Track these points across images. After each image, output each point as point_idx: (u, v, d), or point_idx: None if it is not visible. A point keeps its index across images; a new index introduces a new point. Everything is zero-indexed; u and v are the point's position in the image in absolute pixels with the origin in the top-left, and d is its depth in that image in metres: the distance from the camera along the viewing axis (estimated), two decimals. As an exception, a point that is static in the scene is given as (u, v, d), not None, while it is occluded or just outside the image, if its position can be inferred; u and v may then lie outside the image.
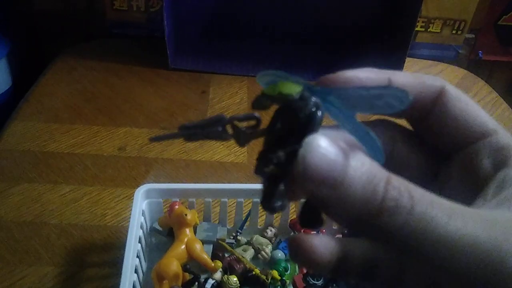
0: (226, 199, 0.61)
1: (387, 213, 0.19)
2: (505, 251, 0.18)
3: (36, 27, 1.06)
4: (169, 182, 0.72)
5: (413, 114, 0.25)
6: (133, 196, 0.57)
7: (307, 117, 0.21)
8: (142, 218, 0.58)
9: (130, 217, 0.55)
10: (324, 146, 0.20)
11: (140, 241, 0.55)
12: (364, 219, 0.19)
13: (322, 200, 0.20)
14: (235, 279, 0.54)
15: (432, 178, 0.25)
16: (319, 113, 0.21)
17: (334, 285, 0.57)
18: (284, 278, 0.56)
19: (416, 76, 0.24)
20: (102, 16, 1.02)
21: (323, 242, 0.21)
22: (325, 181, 0.19)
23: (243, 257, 0.58)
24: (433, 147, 0.25)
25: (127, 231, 0.54)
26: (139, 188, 0.58)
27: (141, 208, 0.58)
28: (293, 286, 0.57)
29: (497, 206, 0.21)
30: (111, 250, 0.62)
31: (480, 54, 1.10)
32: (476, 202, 0.21)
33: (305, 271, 0.58)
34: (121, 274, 0.50)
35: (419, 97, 0.24)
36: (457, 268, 0.19)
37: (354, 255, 0.22)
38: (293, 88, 0.21)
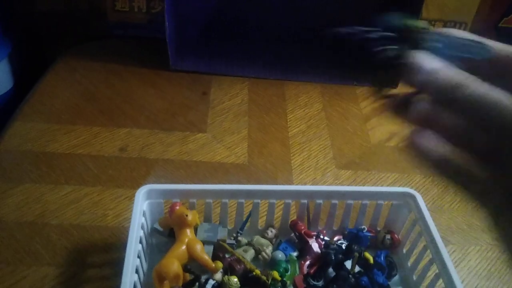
0: (227, 200, 0.61)
1: (461, 87, 0.28)
2: None
3: (37, 28, 1.06)
4: (169, 183, 0.72)
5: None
6: (134, 196, 0.57)
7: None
8: (143, 218, 0.58)
9: (131, 218, 0.56)
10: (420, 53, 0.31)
11: (141, 242, 0.55)
12: (448, 91, 0.28)
13: (419, 85, 0.30)
14: (236, 279, 0.55)
15: None
16: None
17: (335, 286, 0.57)
18: (284, 279, 0.56)
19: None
20: (103, 17, 1.02)
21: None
22: (420, 70, 0.30)
23: (244, 257, 0.58)
24: None
25: (127, 232, 0.54)
26: (140, 189, 0.59)
27: (142, 208, 0.58)
28: (293, 286, 0.57)
29: None
30: (111, 250, 0.62)
31: (480, 56, 1.10)
32: None
33: (305, 272, 0.58)
34: (121, 274, 0.50)
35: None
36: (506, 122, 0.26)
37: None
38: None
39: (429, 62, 0.30)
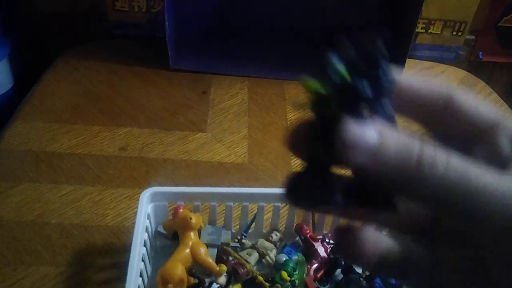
0: (231, 203, 0.60)
1: (425, 167, 0.20)
2: None
3: (38, 28, 1.06)
4: (169, 183, 0.72)
5: (428, 117, 0.26)
6: (134, 196, 0.57)
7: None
8: (147, 221, 0.58)
9: (131, 218, 0.56)
10: (358, 123, 0.21)
11: (145, 245, 0.55)
12: (404, 177, 0.21)
13: (364, 169, 0.21)
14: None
15: None
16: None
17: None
18: (293, 278, 0.56)
19: (428, 81, 0.26)
20: (103, 16, 1.02)
21: (374, 237, 0.25)
22: (361, 147, 0.21)
23: (247, 262, 0.57)
24: (451, 145, 0.26)
25: (128, 231, 0.54)
26: (144, 191, 0.58)
27: (146, 211, 0.57)
28: (304, 287, 0.57)
29: None
30: (112, 250, 0.62)
31: (480, 55, 1.10)
32: None
33: (312, 276, 0.58)
34: (126, 277, 0.50)
35: (433, 100, 0.25)
36: (495, 217, 0.20)
37: (394, 252, 0.25)
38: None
39: (368, 135, 0.21)
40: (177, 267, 0.54)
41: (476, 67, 1.11)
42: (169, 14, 0.88)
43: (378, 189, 0.22)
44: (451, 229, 0.25)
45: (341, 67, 0.21)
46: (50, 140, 0.78)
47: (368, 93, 0.21)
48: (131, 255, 0.52)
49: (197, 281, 0.55)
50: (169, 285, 0.54)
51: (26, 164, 0.73)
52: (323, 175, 0.23)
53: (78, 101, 0.88)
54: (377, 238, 0.25)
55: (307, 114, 0.23)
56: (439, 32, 1.05)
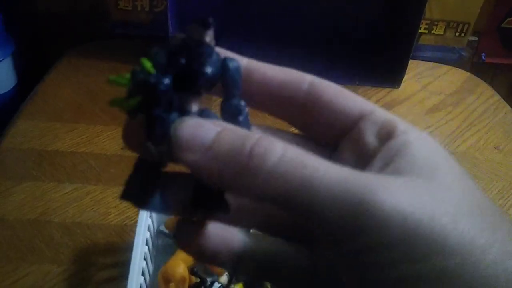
0: None
1: (257, 157, 0.19)
2: (376, 192, 0.18)
3: (40, 27, 1.07)
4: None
5: (289, 112, 0.25)
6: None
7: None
8: (149, 220, 0.58)
9: (133, 216, 0.56)
10: (197, 119, 0.20)
11: (147, 244, 0.55)
12: (236, 171, 0.19)
13: (195, 168, 0.20)
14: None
15: None
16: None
17: None
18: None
19: (285, 71, 0.25)
20: (106, 16, 1.02)
21: (223, 234, 0.23)
22: (195, 146, 0.19)
23: None
24: (321, 140, 0.25)
25: (130, 230, 0.54)
26: None
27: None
28: None
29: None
30: (114, 249, 0.62)
31: (483, 56, 1.10)
32: None
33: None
34: (128, 276, 0.50)
35: (289, 90, 0.24)
36: (325, 214, 0.18)
37: (254, 251, 0.23)
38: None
39: (203, 131, 0.20)
40: (179, 266, 0.54)
41: (479, 68, 1.10)
42: (172, 13, 0.88)
43: (211, 187, 0.21)
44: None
45: (147, 63, 0.20)
46: (53, 139, 0.78)
47: (163, 86, 0.20)
48: (133, 253, 0.52)
49: (199, 280, 0.55)
50: (171, 284, 0.54)
51: (28, 163, 0.74)
52: (149, 175, 0.22)
53: (81, 101, 0.88)
54: (228, 236, 0.23)
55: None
56: (442, 33, 1.04)
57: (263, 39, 1.03)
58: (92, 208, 0.67)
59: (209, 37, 0.21)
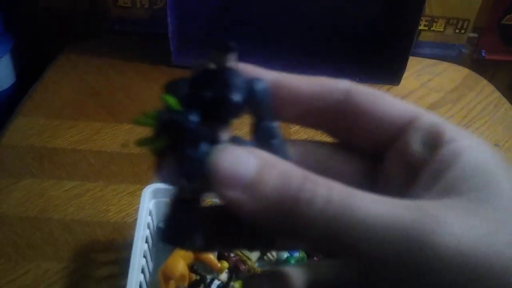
0: None
1: (303, 202, 0.18)
2: (432, 229, 0.17)
3: (39, 24, 1.06)
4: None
5: (328, 122, 0.23)
6: (136, 192, 0.57)
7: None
8: (149, 217, 0.58)
9: (133, 214, 0.56)
10: (235, 149, 0.19)
11: (146, 241, 0.55)
12: (281, 216, 0.18)
13: (237, 205, 0.18)
14: (238, 285, 0.55)
15: (372, 184, 0.23)
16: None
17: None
18: None
19: (316, 81, 0.23)
20: (105, 12, 1.02)
21: (295, 274, 0.21)
22: (236, 182, 0.18)
23: (249, 258, 0.57)
24: (364, 150, 0.23)
25: (129, 227, 0.54)
26: (146, 188, 0.58)
27: (148, 207, 0.57)
28: None
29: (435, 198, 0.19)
30: (114, 246, 0.62)
31: (483, 53, 1.10)
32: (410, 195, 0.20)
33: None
34: (127, 273, 0.50)
35: (323, 101, 0.22)
36: (379, 253, 0.17)
37: (322, 280, 0.21)
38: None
39: (243, 163, 0.18)
40: (179, 264, 0.54)
41: (479, 65, 1.10)
42: (171, 10, 0.88)
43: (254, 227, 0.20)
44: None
45: (170, 99, 0.19)
46: (52, 136, 0.78)
47: (192, 123, 0.19)
48: (133, 251, 0.52)
49: (198, 277, 0.55)
50: (170, 282, 0.54)
51: (28, 160, 0.73)
52: (185, 214, 0.21)
53: (80, 97, 0.88)
54: (298, 274, 0.22)
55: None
56: (441, 30, 1.04)
57: (263, 37, 1.03)
58: (92, 205, 0.67)
59: (232, 61, 0.20)
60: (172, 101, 0.19)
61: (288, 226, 0.18)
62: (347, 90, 0.22)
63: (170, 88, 0.20)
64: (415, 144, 0.20)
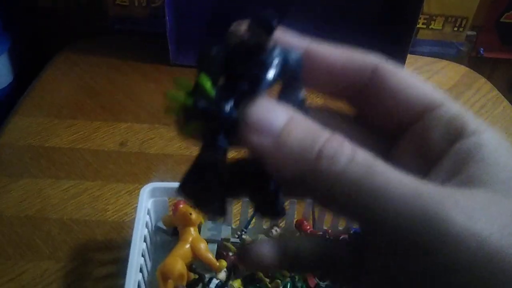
0: (231, 199, 0.60)
1: (327, 157, 0.18)
2: (450, 211, 0.17)
3: (38, 22, 1.06)
4: (170, 178, 0.72)
5: (351, 95, 0.23)
6: (134, 191, 0.57)
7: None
8: (147, 216, 0.57)
9: (131, 213, 0.56)
10: (268, 101, 0.19)
11: (145, 240, 0.55)
12: (304, 169, 0.18)
13: (262, 153, 0.19)
14: (237, 284, 0.55)
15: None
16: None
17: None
18: (293, 274, 0.56)
19: (347, 53, 0.23)
20: (104, 11, 1.02)
21: (268, 248, 0.22)
22: (264, 130, 0.18)
23: None
24: (381, 128, 0.23)
25: (128, 227, 0.54)
26: (144, 187, 0.58)
27: (146, 206, 0.57)
28: (304, 283, 0.57)
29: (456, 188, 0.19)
30: (112, 245, 0.62)
31: (481, 51, 1.10)
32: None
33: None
34: (126, 273, 0.50)
35: (352, 74, 0.22)
36: (395, 227, 0.17)
37: (305, 251, 0.22)
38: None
39: (274, 114, 0.19)
40: (177, 263, 0.54)
41: (477, 63, 1.10)
42: (169, 9, 0.88)
43: (267, 191, 0.20)
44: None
45: (206, 83, 0.19)
46: (50, 135, 0.78)
47: (226, 114, 0.19)
48: (131, 250, 0.52)
49: (197, 276, 0.55)
50: (169, 281, 0.54)
51: (26, 159, 0.73)
52: (206, 173, 0.21)
53: (78, 96, 0.87)
54: (273, 247, 0.22)
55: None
56: (440, 28, 1.04)
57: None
58: (90, 205, 0.67)
59: (272, 41, 0.20)
60: (207, 84, 0.19)
61: (309, 180, 0.18)
62: (376, 65, 0.22)
63: (204, 62, 0.20)
64: (435, 132, 0.20)
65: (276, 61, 0.20)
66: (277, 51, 0.20)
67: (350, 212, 0.19)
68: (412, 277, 0.18)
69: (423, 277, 0.18)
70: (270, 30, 0.20)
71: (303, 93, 0.21)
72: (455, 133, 0.20)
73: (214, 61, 0.20)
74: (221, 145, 0.19)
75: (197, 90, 0.19)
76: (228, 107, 0.19)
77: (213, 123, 0.19)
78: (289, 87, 0.21)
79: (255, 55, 0.20)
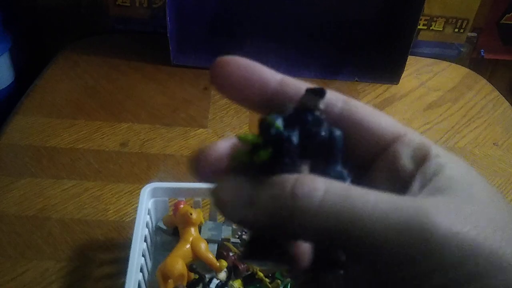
0: None
1: (302, 196, 0.19)
2: (431, 216, 0.19)
3: (39, 22, 1.06)
4: (170, 178, 0.72)
5: None
6: (134, 191, 0.57)
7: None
8: (148, 216, 0.58)
9: (131, 213, 0.56)
10: (230, 179, 0.21)
11: (145, 240, 0.55)
12: (282, 217, 0.19)
13: (243, 224, 0.20)
14: (237, 284, 0.55)
15: None
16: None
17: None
18: None
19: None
20: (105, 11, 1.02)
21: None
22: (235, 205, 0.20)
23: None
24: (352, 159, 0.24)
25: (128, 226, 0.54)
26: (145, 187, 0.58)
27: (147, 206, 0.58)
28: None
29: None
30: (112, 245, 0.63)
31: (482, 52, 1.10)
32: None
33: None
34: (126, 273, 0.50)
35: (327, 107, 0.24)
36: (381, 244, 0.18)
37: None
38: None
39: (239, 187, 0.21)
40: (178, 263, 0.54)
41: (478, 65, 1.10)
42: (170, 9, 0.88)
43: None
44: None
45: (276, 122, 0.21)
46: (51, 135, 0.78)
47: (295, 140, 0.21)
48: (132, 250, 0.52)
49: (197, 276, 0.55)
50: (169, 281, 0.54)
51: (27, 159, 0.73)
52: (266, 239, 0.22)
53: (79, 96, 0.87)
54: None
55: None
56: (441, 29, 1.04)
57: (262, 35, 1.03)
58: (91, 205, 0.67)
59: (323, 104, 0.22)
60: (279, 123, 0.21)
61: (290, 226, 0.19)
62: (345, 101, 0.24)
63: (268, 120, 0.22)
64: (405, 157, 0.23)
65: (325, 123, 0.22)
66: (325, 119, 0.22)
67: (338, 242, 0.20)
68: (402, 284, 0.20)
69: (415, 283, 0.19)
70: (321, 94, 0.22)
71: (347, 175, 0.22)
72: (421, 158, 0.22)
73: (275, 120, 0.22)
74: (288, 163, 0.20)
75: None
76: (295, 136, 0.21)
77: (283, 145, 0.20)
78: (333, 163, 0.22)
79: (308, 115, 0.21)
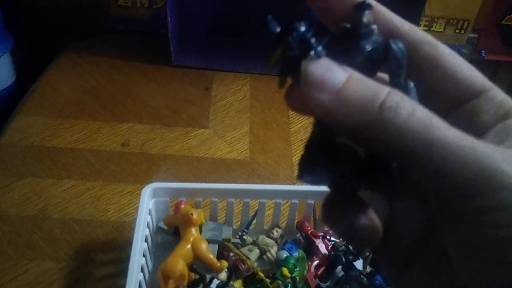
0: (233, 199, 0.60)
1: (388, 109, 0.19)
2: (504, 165, 0.19)
3: (40, 23, 1.06)
4: (171, 178, 0.72)
5: (412, 70, 0.25)
6: (135, 191, 0.57)
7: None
8: (149, 217, 0.58)
9: (132, 213, 0.56)
10: (326, 59, 0.21)
11: (146, 240, 0.55)
12: (366, 119, 0.20)
13: (323, 108, 0.20)
14: (238, 285, 0.55)
15: None
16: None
17: (347, 286, 0.56)
18: (294, 275, 0.56)
19: (412, 29, 0.25)
20: (106, 12, 1.02)
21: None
22: (324, 86, 0.20)
23: (248, 258, 0.57)
24: (431, 105, 0.25)
25: (129, 227, 0.54)
26: (146, 187, 0.58)
27: (148, 206, 0.58)
28: (304, 284, 0.57)
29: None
30: (113, 245, 0.63)
31: (483, 53, 1.10)
32: None
33: (312, 273, 0.58)
34: (127, 273, 0.50)
35: (412, 51, 0.24)
36: (449, 174, 0.19)
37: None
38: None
39: (334, 72, 0.20)
40: (178, 263, 0.54)
41: (479, 66, 1.08)
42: (171, 10, 0.88)
43: (341, 136, 0.22)
44: (410, 182, 0.23)
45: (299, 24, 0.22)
46: (52, 135, 0.78)
47: (300, 30, 0.22)
48: (132, 250, 0.52)
49: (198, 276, 0.55)
50: (170, 281, 0.54)
51: (28, 159, 0.74)
52: (315, 149, 0.22)
53: (80, 97, 0.88)
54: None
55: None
56: (441, 30, 1.04)
57: (262, 35, 1.03)
58: (92, 205, 0.67)
59: (366, 18, 0.21)
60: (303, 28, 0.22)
61: (369, 133, 0.20)
62: (435, 45, 0.24)
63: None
64: (487, 112, 0.23)
65: (373, 37, 0.21)
66: (375, 34, 0.22)
67: (411, 163, 0.20)
68: (464, 218, 0.20)
69: (477, 217, 0.19)
70: (363, 7, 0.22)
71: (412, 87, 0.22)
72: (503, 114, 0.23)
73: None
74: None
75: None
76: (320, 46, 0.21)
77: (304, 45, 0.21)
78: (395, 76, 0.22)
79: (351, 31, 0.22)
